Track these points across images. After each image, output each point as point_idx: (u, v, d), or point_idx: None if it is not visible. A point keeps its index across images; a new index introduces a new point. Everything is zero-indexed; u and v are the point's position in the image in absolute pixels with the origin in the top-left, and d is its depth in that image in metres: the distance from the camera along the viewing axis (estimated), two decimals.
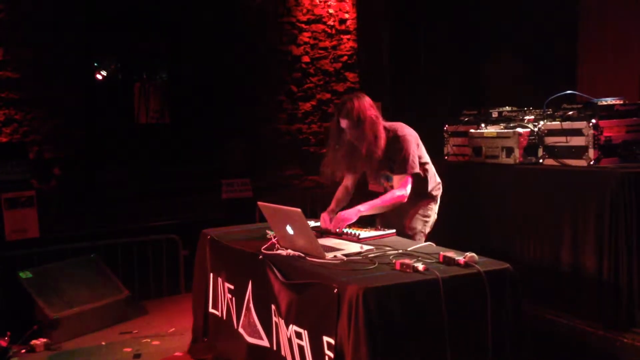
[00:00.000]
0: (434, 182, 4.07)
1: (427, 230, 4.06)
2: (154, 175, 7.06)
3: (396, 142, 3.84)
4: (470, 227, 4.89)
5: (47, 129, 6.39)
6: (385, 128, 3.85)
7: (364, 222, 3.99)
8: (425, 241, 3.92)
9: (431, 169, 4.05)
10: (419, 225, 4.01)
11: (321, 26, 7.79)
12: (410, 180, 3.84)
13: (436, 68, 7.25)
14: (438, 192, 4.10)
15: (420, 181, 3.96)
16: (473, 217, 4.91)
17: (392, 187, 3.94)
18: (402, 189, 3.82)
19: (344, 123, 3.79)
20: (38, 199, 5.75)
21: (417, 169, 3.85)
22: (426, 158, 4.03)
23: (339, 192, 4.15)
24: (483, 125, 5.05)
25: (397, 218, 4.00)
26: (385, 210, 3.93)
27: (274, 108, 7.65)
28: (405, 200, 3.84)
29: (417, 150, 3.91)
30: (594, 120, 4.11)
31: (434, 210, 4.07)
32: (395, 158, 3.84)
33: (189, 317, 4.45)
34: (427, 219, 4.03)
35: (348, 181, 4.14)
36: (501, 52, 6.71)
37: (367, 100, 3.81)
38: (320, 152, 7.75)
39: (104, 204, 6.60)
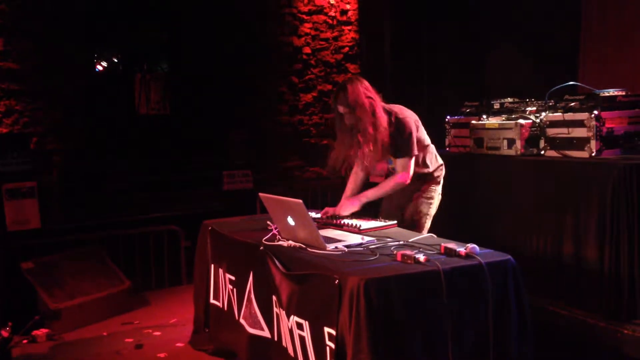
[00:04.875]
0: (436, 163, 4.11)
1: (433, 211, 4.09)
2: (154, 166, 7.06)
3: (397, 125, 3.85)
4: (472, 219, 4.89)
5: (48, 120, 6.38)
6: (385, 110, 3.86)
7: (368, 210, 4.02)
8: (431, 224, 4.02)
9: (432, 150, 4.09)
10: (424, 208, 4.05)
11: (322, 17, 7.75)
12: (412, 162, 3.88)
13: (438, 58, 7.23)
14: (440, 173, 4.13)
15: (421, 164, 4.00)
16: (474, 208, 4.91)
17: (394, 170, 3.97)
18: (404, 173, 3.87)
19: (340, 109, 3.82)
20: (39, 190, 5.74)
21: (417, 152, 3.89)
22: (427, 140, 4.07)
23: (351, 181, 4.18)
24: (485, 116, 5.04)
25: (402, 202, 4.07)
26: (388, 194, 4.00)
27: (275, 99, 7.63)
28: (408, 182, 3.89)
29: (417, 133, 3.94)
30: (596, 112, 4.09)
31: (437, 191, 4.11)
32: (396, 141, 3.86)
33: (190, 308, 4.45)
34: (431, 201, 4.07)
35: (358, 168, 4.14)
36: (503, 42, 6.69)
37: (362, 84, 3.81)
38: (321, 143, 7.74)
39: (105, 195, 6.60)
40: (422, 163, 4.01)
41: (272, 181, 7.31)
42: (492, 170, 4.79)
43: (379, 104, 3.82)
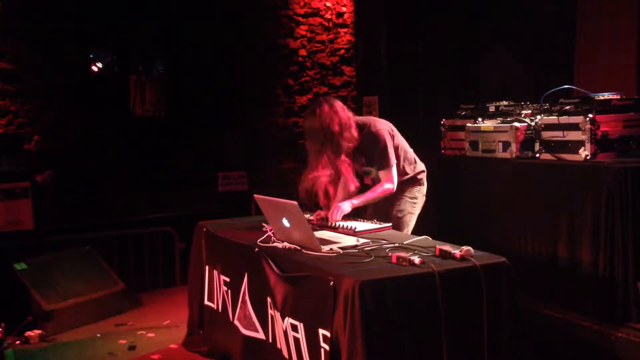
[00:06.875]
0: (416, 167, 4.19)
1: (417, 211, 4.19)
2: (149, 167, 7.05)
3: (372, 139, 3.95)
4: (467, 221, 4.89)
5: (42, 120, 6.36)
6: (358, 124, 3.94)
7: (356, 210, 4.06)
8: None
9: (410, 155, 4.18)
10: (407, 207, 4.15)
11: (318, 19, 7.75)
12: (394, 172, 3.97)
13: (434, 61, 7.24)
14: (422, 176, 4.23)
15: (400, 171, 4.08)
16: (469, 211, 4.91)
17: (372, 181, 4.09)
18: (389, 182, 3.97)
19: (311, 132, 3.89)
20: (33, 191, 5.72)
21: (395, 160, 3.98)
22: (405, 147, 4.16)
23: (340, 189, 4.20)
24: (480, 119, 5.05)
25: (386, 202, 4.14)
26: (376, 201, 4.09)
27: (270, 101, 7.62)
28: (394, 190, 4.00)
29: (394, 141, 4.03)
30: (590, 115, 4.11)
31: (421, 192, 4.22)
32: (373, 155, 3.97)
33: (185, 310, 4.44)
34: (414, 200, 4.17)
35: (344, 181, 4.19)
36: (499, 45, 6.70)
37: (333, 107, 3.85)
38: None
39: (99, 196, 6.58)
40: (401, 169, 4.09)
41: (267, 183, 7.31)
42: (487, 173, 4.80)
43: (351, 123, 3.88)
